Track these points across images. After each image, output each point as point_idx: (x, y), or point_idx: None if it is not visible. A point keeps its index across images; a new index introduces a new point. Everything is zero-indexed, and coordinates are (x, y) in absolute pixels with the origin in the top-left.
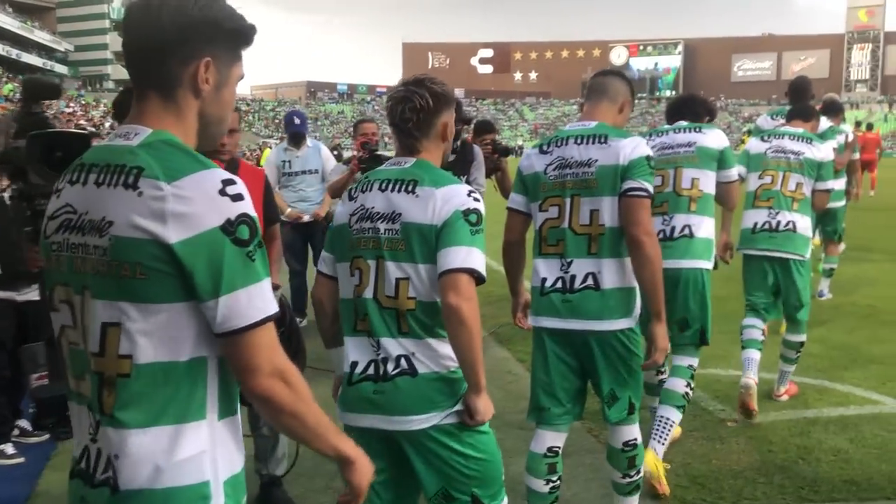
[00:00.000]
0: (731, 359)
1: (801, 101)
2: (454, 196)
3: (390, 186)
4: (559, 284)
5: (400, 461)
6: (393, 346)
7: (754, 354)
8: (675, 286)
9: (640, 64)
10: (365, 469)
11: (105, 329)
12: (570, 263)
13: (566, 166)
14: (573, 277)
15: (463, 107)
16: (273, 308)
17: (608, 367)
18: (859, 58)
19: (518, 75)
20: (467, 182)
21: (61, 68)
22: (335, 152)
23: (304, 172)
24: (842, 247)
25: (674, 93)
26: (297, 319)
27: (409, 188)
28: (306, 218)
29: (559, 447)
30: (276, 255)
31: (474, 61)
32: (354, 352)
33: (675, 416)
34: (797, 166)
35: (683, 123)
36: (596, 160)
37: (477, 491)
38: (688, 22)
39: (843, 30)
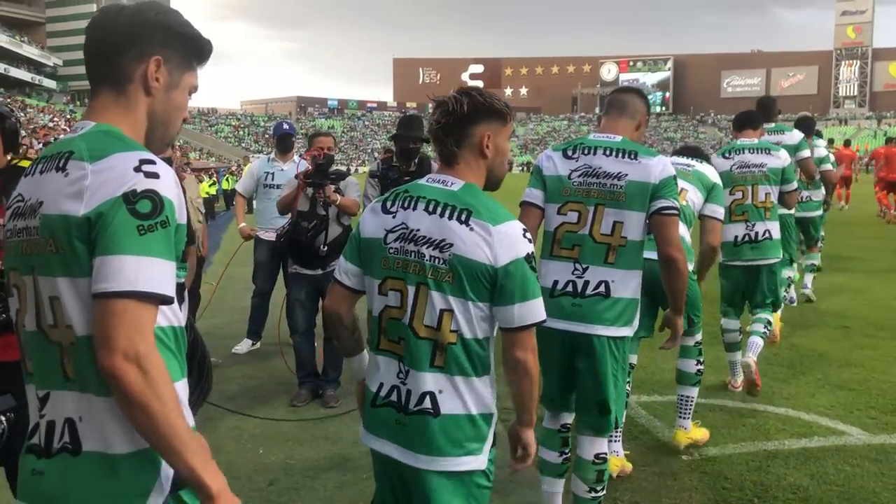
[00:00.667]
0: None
1: (767, 118)
2: (515, 240)
3: (439, 210)
4: (570, 288)
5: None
6: (421, 379)
7: (739, 351)
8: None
9: (631, 79)
10: None
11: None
12: (585, 270)
13: (593, 175)
14: (586, 283)
15: (423, 122)
16: (156, 290)
17: (604, 374)
18: (847, 74)
19: (509, 91)
20: None
21: (50, 83)
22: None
23: (284, 186)
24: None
25: (665, 108)
26: (251, 342)
27: (463, 218)
28: (264, 235)
29: (570, 424)
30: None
31: (465, 77)
32: (380, 372)
33: (694, 392)
34: (763, 178)
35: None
36: (626, 174)
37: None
38: (678, 38)
39: (831, 46)
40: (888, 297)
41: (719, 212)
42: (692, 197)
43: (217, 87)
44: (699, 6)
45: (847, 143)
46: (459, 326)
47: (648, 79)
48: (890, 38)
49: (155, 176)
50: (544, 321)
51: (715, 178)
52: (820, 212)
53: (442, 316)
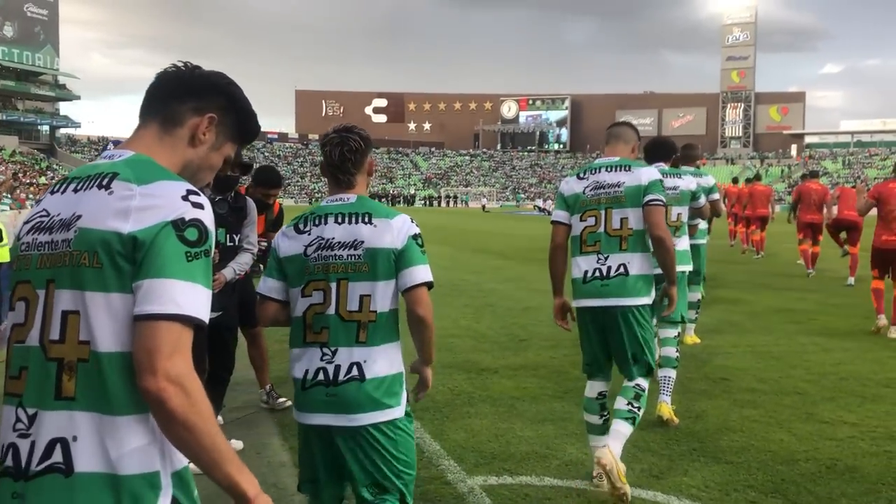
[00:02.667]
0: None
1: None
2: (407, 227)
3: (346, 219)
4: (597, 274)
5: (335, 460)
6: (348, 354)
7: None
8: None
9: (530, 117)
10: None
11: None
12: (606, 258)
13: (600, 187)
14: (609, 268)
15: (241, 152)
16: (197, 316)
17: (630, 336)
18: (733, 116)
19: (412, 125)
20: (239, 241)
21: None
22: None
23: None
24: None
25: (563, 146)
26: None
27: (366, 220)
28: None
29: (606, 391)
30: None
31: (368, 110)
32: (306, 361)
33: (673, 373)
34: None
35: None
36: (624, 182)
37: (400, 485)
38: (575, 79)
39: (717, 89)
40: (770, 343)
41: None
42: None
43: (112, 117)
44: (595, 47)
45: (758, 178)
46: (376, 305)
47: (548, 117)
48: (770, 83)
49: (200, 207)
50: (432, 283)
51: (646, 178)
52: (705, 240)
53: (362, 300)
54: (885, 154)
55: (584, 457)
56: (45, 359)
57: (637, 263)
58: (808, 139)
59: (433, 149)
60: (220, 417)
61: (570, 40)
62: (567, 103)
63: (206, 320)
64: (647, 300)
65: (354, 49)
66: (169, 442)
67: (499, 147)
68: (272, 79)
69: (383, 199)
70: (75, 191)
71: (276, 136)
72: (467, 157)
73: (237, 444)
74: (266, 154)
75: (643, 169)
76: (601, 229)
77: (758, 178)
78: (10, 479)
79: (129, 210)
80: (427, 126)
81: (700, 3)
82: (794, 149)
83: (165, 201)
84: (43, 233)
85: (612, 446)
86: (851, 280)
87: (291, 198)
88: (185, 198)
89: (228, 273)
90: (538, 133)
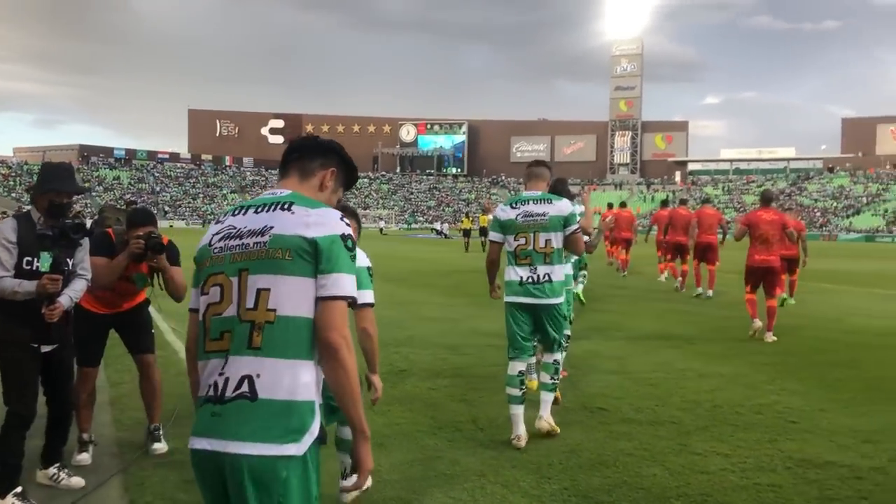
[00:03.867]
0: None
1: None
2: (333, 221)
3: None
4: (530, 280)
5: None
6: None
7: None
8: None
9: (428, 142)
10: (370, 453)
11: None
12: (536, 269)
13: (530, 216)
14: (538, 276)
15: (73, 172)
16: (353, 297)
17: (553, 324)
18: (621, 143)
19: None
20: (73, 265)
21: None
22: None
23: None
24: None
25: (460, 170)
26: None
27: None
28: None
29: (524, 370)
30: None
31: (265, 131)
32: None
33: (551, 396)
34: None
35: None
36: (548, 212)
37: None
38: (472, 104)
39: (606, 118)
40: (648, 370)
41: (577, 228)
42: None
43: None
44: (491, 74)
45: (623, 205)
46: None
47: (445, 142)
48: (656, 112)
49: (349, 226)
50: (353, 299)
51: (566, 210)
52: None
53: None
54: (762, 181)
55: (451, 501)
56: (240, 322)
57: (557, 273)
58: (690, 166)
59: None
60: (53, 469)
61: (467, 67)
62: (464, 128)
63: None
64: (563, 299)
65: (250, 69)
66: (324, 380)
67: (398, 170)
68: (164, 97)
69: None
70: (256, 212)
71: (167, 157)
72: (366, 180)
73: (78, 482)
74: (156, 175)
75: (563, 202)
76: (531, 247)
77: (623, 205)
78: (211, 404)
79: (309, 223)
80: None
81: (591, 35)
82: (678, 175)
83: (332, 221)
84: (234, 239)
85: (545, 414)
86: (710, 293)
87: (183, 220)
88: (341, 219)
89: (65, 301)
90: (437, 157)
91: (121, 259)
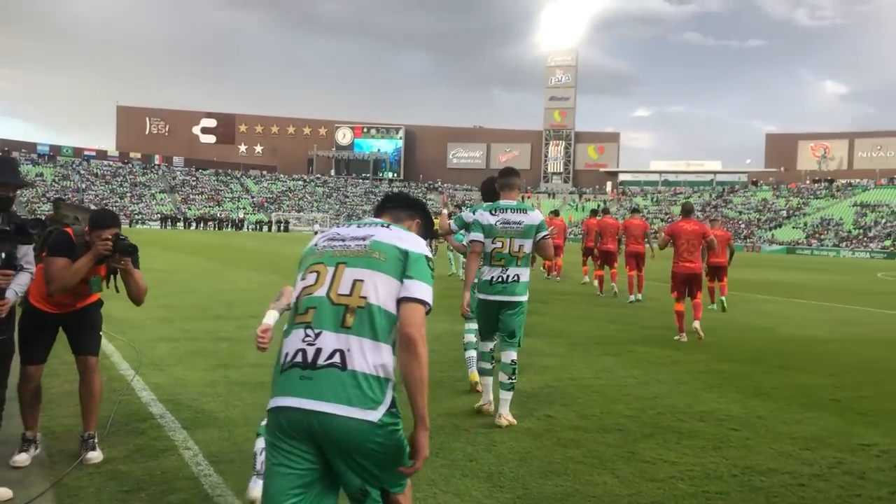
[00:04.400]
0: None
1: (492, 194)
2: (421, 244)
3: (368, 225)
4: (500, 280)
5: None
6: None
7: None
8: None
9: (365, 145)
10: (427, 442)
11: (519, 246)
12: (507, 269)
13: (507, 223)
14: (508, 276)
15: (16, 164)
16: (430, 305)
17: (514, 320)
18: (555, 153)
19: (243, 147)
20: (18, 261)
21: None
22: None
23: None
24: None
25: (396, 175)
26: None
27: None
28: None
29: (493, 348)
30: None
31: (196, 130)
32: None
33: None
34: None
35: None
36: (523, 221)
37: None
38: (409, 110)
39: (541, 127)
40: (590, 375)
41: (546, 234)
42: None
43: None
44: (428, 80)
45: (556, 213)
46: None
47: (382, 146)
48: (588, 123)
49: (428, 250)
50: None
51: (537, 219)
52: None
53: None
54: (689, 193)
55: None
56: (332, 304)
57: (524, 274)
58: (621, 177)
59: (265, 172)
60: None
61: (405, 73)
62: (401, 133)
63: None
64: (525, 298)
65: (182, 67)
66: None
67: (333, 173)
68: (92, 93)
69: (210, 223)
70: (359, 226)
71: (93, 154)
72: (300, 182)
73: (6, 493)
74: (82, 173)
75: (535, 212)
76: (506, 251)
77: (555, 213)
78: (298, 369)
79: (403, 239)
80: (259, 149)
81: (528, 46)
82: (609, 185)
83: (421, 245)
84: (336, 241)
85: (504, 412)
86: (639, 296)
87: None
88: (426, 245)
89: (11, 295)
90: (373, 161)
91: (84, 261)
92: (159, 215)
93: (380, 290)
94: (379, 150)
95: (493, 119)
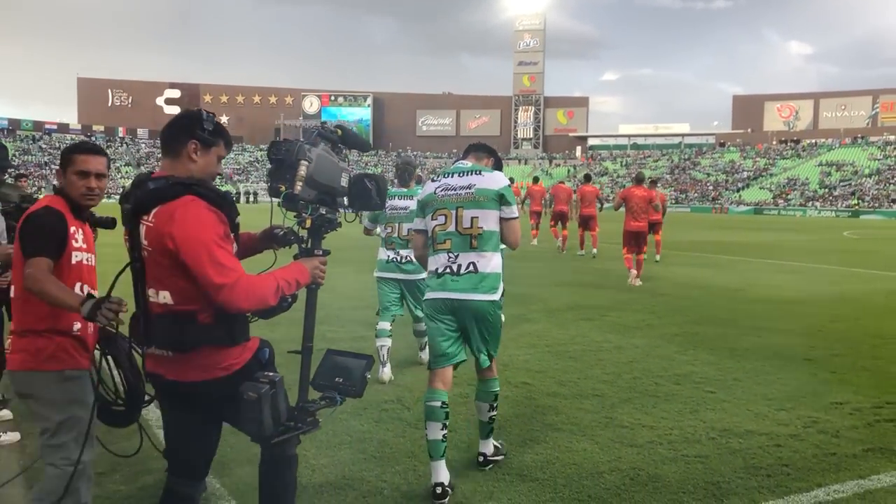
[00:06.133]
0: None
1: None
2: (502, 178)
3: (466, 174)
4: (448, 270)
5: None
6: (465, 256)
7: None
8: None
9: (332, 113)
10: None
11: (471, 219)
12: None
13: (450, 188)
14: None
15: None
16: (517, 217)
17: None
18: (524, 118)
19: None
20: None
21: None
22: None
23: None
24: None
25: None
26: None
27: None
28: None
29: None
30: None
31: (160, 101)
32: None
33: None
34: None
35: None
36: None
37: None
38: (377, 77)
39: (510, 93)
40: (567, 341)
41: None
42: (484, 224)
43: None
44: (396, 48)
45: (536, 180)
46: (482, 224)
47: (350, 114)
48: (557, 88)
49: (507, 180)
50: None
51: (500, 183)
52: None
53: (472, 220)
54: (658, 156)
55: (384, 484)
56: (460, 235)
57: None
58: (591, 141)
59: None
60: None
61: (372, 39)
62: (369, 101)
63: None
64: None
65: (143, 36)
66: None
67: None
68: (51, 65)
69: None
70: (460, 176)
71: (55, 127)
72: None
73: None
74: (43, 146)
75: (494, 174)
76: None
77: (535, 180)
78: (449, 275)
79: (495, 180)
80: (224, 119)
81: (495, 10)
82: (578, 150)
83: (503, 179)
84: (450, 191)
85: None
86: (594, 251)
87: None
88: (503, 178)
89: None
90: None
91: None
92: (124, 188)
93: (489, 220)
94: (347, 118)
95: (462, 85)
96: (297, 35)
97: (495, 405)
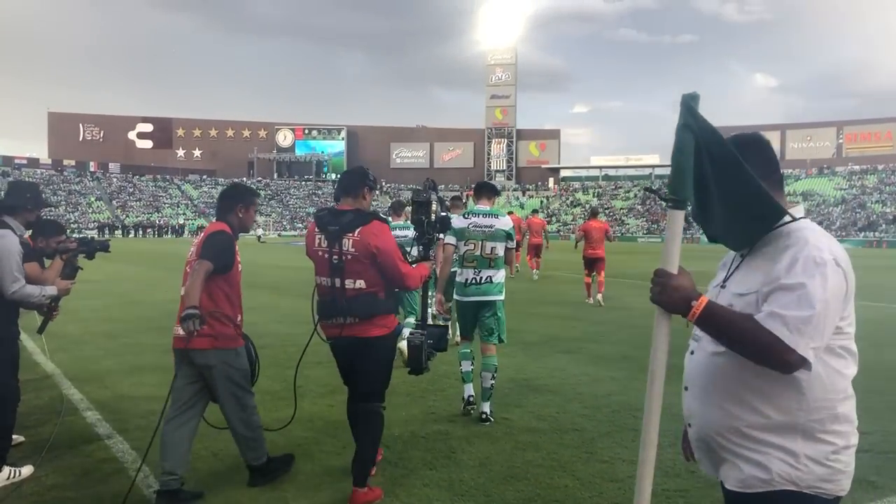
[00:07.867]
0: None
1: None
2: (509, 221)
3: (488, 216)
4: (474, 281)
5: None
6: (486, 272)
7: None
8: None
9: (306, 147)
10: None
11: (491, 248)
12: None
13: (478, 227)
14: (481, 278)
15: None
16: (514, 247)
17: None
18: (497, 150)
19: (181, 152)
20: None
21: None
22: None
23: None
24: None
25: (338, 176)
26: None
27: (495, 216)
28: None
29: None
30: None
31: (132, 135)
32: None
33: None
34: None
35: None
36: (493, 225)
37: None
38: (350, 111)
39: (483, 125)
40: (544, 375)
41: (514, 243)
42: (499, 251)
43: None
44: (368, 81)
45: (535, 212)
46: (496, 252)
47: (324, 147)
48: (529, 120)
49: (511, 223)
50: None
51: (508, 225)
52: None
53: (493, 249)
54: (629, 186)
55: None
56: (483, 257)
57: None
58: (563, 173)
59: (205, 177)
60: None
61: (344, 73)
62: (343, 134)
63: None
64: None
65: (115, 71)
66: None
67: (275, 176)
68: (21, 98)
69: (149, 230)
70: (484, 216)
71: (24, 162)
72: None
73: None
74: (11, 181)
75: (505, 218)
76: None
77: (535, 212)
78: (475, 285)
79: (504, 223)
80: (197, 153)
81: (466, 44)
82: (551, 181)
83: (510, 222)
84: (478, 228)
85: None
86: (598, 300)
87: None
88: (510, 220)
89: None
90: (315, 162)
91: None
92: (96, 223)
93: (500, 249)
94: (322, 151)
95: (435, 118)
96: (269, 70)
97: (495, 374)
